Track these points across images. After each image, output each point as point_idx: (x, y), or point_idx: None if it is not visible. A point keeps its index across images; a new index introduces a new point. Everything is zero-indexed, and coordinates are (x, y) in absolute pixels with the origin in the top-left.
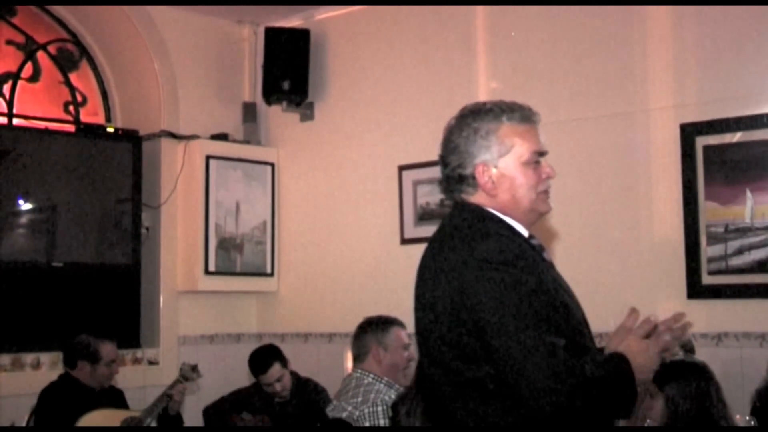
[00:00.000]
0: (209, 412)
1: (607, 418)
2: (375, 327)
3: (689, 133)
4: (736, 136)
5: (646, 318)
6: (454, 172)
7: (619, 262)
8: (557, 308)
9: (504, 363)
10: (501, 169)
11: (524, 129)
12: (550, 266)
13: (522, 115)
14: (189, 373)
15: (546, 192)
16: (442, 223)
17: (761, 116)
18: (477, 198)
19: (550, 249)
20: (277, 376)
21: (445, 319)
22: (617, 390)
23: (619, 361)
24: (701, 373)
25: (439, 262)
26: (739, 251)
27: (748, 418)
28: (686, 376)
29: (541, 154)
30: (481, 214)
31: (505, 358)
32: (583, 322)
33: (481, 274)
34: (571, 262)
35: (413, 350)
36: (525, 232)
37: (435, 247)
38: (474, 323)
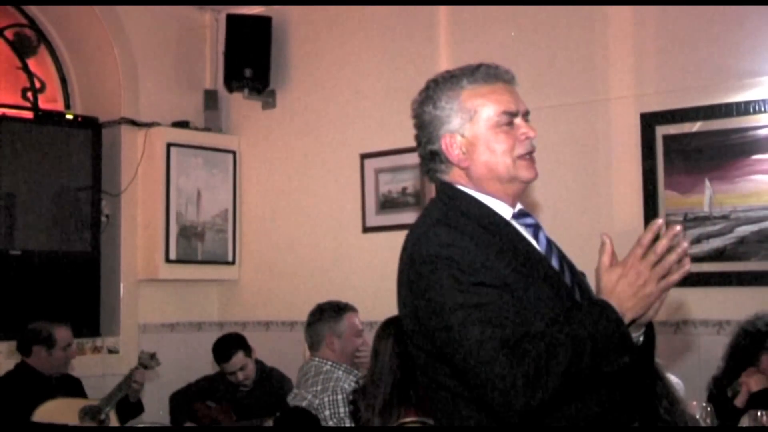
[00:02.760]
0: (176, 398)
1: (599, 371)
2: (328, 315)
3: (649, 122)
4: (696, 126)
5: (602, 243)
6: (425, 150)
7: (578, 251)
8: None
9: (453, 350)
10: (468, 137)
11: (489, 89)
12: (531, 250)
13: (486, 74)
14: (147, 361)
15: (528, 156)
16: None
17: (720, 106)
18: (452, 176)
19: None
20: (240, 365)
21: (410, 320)
22: (593, 341)
23: (586, 308)
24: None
25: (401, 257)
26: (698, 240)
27: (704, 404)
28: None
29: (514, 114)
30: (448, 198)
31: (454, 346)
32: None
33: (421, 270)
34: None
35: (367, 336)
36: (507, 211)
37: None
38: (427, 321)
